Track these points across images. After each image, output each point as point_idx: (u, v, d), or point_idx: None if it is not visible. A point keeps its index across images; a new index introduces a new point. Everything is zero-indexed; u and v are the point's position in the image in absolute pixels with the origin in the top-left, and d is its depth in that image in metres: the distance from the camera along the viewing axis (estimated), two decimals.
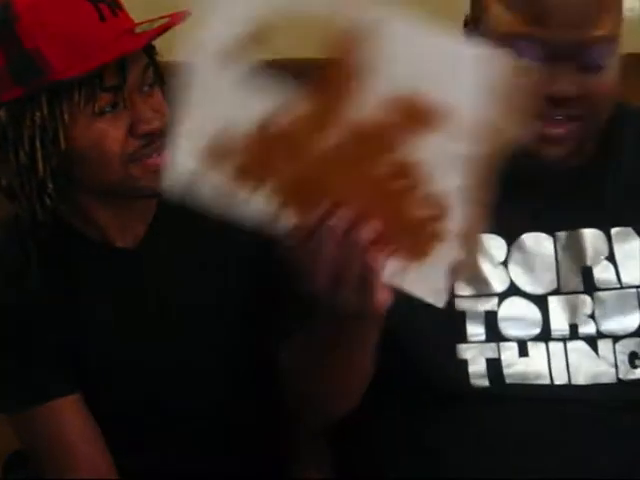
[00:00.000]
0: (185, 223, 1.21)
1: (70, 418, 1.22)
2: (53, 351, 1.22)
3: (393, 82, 0.94)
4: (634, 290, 1.23)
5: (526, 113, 0.94)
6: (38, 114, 1.12)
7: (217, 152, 0.98)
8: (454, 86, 0.93)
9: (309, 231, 0.95)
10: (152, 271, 1.24)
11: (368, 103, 0.95)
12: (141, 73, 1.17)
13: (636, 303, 1.22)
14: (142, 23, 1.20)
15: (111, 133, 1.14)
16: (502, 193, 1.20)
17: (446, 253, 0.97)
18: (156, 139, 1.18)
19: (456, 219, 0.96)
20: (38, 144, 1.13)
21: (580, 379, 1.20)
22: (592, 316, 1.22)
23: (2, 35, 1.14)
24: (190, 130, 0.98)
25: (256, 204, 0.98)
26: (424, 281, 0.99)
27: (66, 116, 1.13)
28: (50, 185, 1.15)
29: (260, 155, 0.98)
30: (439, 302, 0.99)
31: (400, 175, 0.96)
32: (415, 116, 0.94)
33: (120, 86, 1.14)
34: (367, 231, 0.94)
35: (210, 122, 0.98)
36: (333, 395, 1.18)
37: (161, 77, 1.21)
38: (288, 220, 0.97)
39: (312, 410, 1.23)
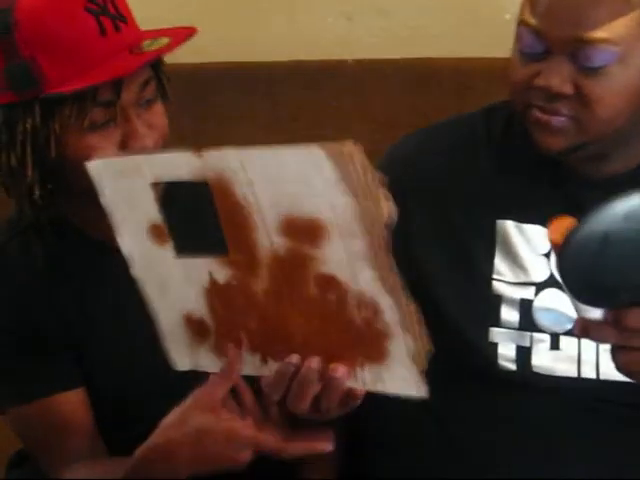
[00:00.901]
0: None
1: (72, 411, 1.24)
2: (58, 345, 1.24)
3: (270, 209, 0.95)
4: None
5: (382, 192, 0.93)
6: (30, 121, 1.13)
7: (193, 335, 1.05)
8: (315, 192, 0.92)
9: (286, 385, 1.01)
10: None
11: (267, 235, 0.97)
12: (139, 89, 1.16)
13: None
14: (142, 37, 1.18)
15: (101, 148, 1.14)
16: (551, 186, 1.26)
17: (400, 345, 0.97)
18: None
19: (390, 310, 0.95)
20: (29, 149, 1.14)
21: (609, 377, 1.21)
22: None
23: (2, 39, 1.13)
24: (167, 327, 1.06)
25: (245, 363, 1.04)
26: (398, 379, 0.99)
27: (57, 127, 1.13)
28: (37, 190, 1.17)
29: (226, 318, 1.04)
30: (421, 392, 0.99)
31: (328, 289, 0.97)
32: (303, 233, 0.95)
33: (114, 102, 1.13)
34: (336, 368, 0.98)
35: (176, 310, 1.05)
36: None
37: (164, 91, 1.22)
38: (272, 369, 1.02)
39: None
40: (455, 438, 1.24)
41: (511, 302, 1.24)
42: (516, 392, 1.22)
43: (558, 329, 1.23)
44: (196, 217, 1.09)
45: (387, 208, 0.94)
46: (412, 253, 1.26)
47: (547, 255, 1.24)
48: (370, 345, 0.98)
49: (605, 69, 1.12)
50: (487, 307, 1.23)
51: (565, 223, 0.95)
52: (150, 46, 1.16)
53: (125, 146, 1.16)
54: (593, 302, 0.98)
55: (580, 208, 1.19)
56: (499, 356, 1.23)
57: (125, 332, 1.25)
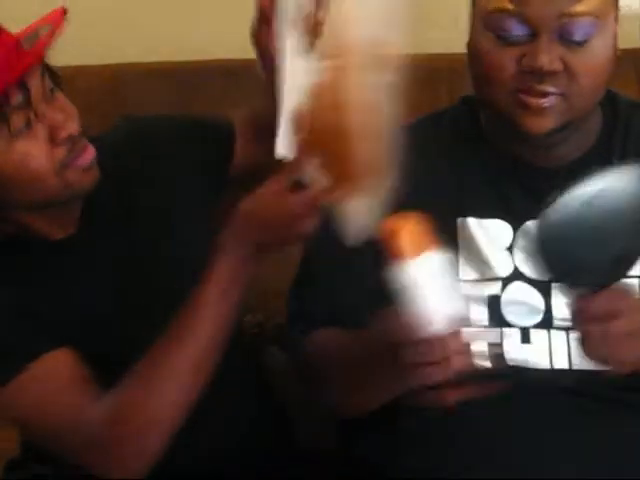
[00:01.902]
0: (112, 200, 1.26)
1: (65, 365, 1.21)
2: (32, 323, 1.22)
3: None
4: (636, 280, 1.22)
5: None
6: None
7: (292, 125, 1.09)
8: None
9: None
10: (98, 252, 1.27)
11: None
12: (41, 82, 1.16)
13: (638, 292, 1.22)
14: (22, 34, 1.17)
15: (34, 150, 1.15)
16: (509, 180, 1.25)
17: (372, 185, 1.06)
18: (78, 139, 1.19)
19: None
20: None
21: (580, 367, 1.21)
22: None
23: None
24: (284, 112, 1.10)
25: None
26: (365, 211, 1.07)
27: None
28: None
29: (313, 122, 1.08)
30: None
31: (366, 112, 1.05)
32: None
33: (27, 101, 1.13)
34: None
35: (291, 97, 1.09)
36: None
37: (57, 80, 1.21)
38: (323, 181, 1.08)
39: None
40: (439, 437, 1.23)
41: (479, 300, 1.24)
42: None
43: (527, 322, 1.23)
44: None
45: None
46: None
47: (510, 249, 1.24)
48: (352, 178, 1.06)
49: (588, 42, 1.15)
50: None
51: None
52: (34, 38, 1.15)
53: (55, 139, 1.16)
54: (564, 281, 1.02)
55: (537, 198, 1.21)
56: (472, 355, 1.19)
57: (88, 306, 1.25)
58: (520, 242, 1.24)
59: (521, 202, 1.24)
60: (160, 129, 1.37)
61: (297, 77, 1.09)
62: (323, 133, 1.07)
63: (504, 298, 1.23)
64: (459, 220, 1.24)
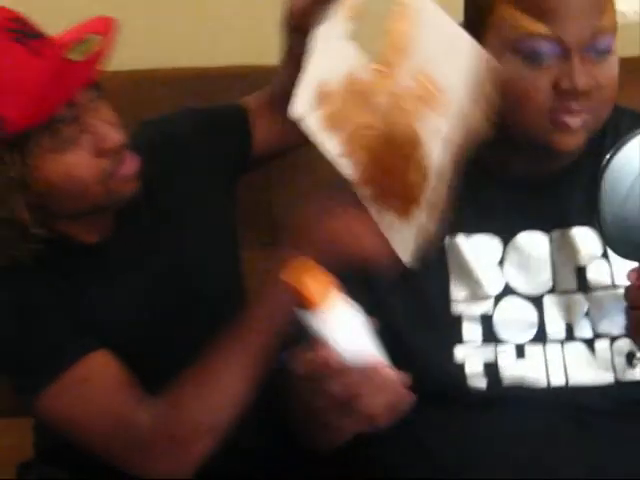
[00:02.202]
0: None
1: (109, 366, 1.23)
2: (73, 323, 1.24)
3: (421, 56, 1.08)
4: None
5: (493, 111, 1.04)
6: (5, 169, 1.13)
7: (317, 98, 1.14)
8: (454, 70, 1.03)
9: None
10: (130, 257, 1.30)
11: (408, 71, 1.09)
12: (87, 94, 1.17)
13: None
14: (67, 42, 1.14)
15: (79, 162, 1.16)
16: (496, 193, 1.24)
17: (419, 217, 1.08)
18: (122, 149, 1.20)
19: (430, 189, 1.07)
20: (15, 196, 1.15)
21: (578, 381, 1.20)
22: (587, 315, 1.22)
23: None
24: (308, 77, 1.15)
25: (331, 146, 1.14)
26: (400, 238, 1.10)
27: (30, 161, 1.14)
28: (34, 229, 1.17)
29: (341, 105, 1.13)
30: (406, 259, 1.10)
31: (410, 141, 1.08)
32: (429, 92, 1.06)
33: (74, 113, 1.14)
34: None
35: (319, 71, 1.14)
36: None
37: (100, 88, 1.21)
38: (346, 166, 1.13)
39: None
40: (436, 458, 1.22)
41: (471, 319, 1.22)
42: (491, 409, 1.20)
43: (521, 338, 1.22)
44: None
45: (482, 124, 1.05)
46: (370, 285, 1.23)
47: (500, 263, 1.23)
48: (405, 200, 1.09)
49: (610, 54, 1.16)
50: (449, 330, 1.22)
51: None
52: (85, 48, 1.14)
53: (100, 151, 1.18)
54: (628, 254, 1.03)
55: (526, 209, 1.21)
56: (467, 376, 1.21)
57: (123, 307, 1.28)
58: (511, 256, 1.23)
59: (509, 215, 1.23)
60: (176, 131, 1.39)
61: (332, 54, 1.13)
62: (381, 164, 1.11)
63: (497, 315, 1.22)
64: (447, 240, 1.23)
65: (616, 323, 1.21)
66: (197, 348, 1.19)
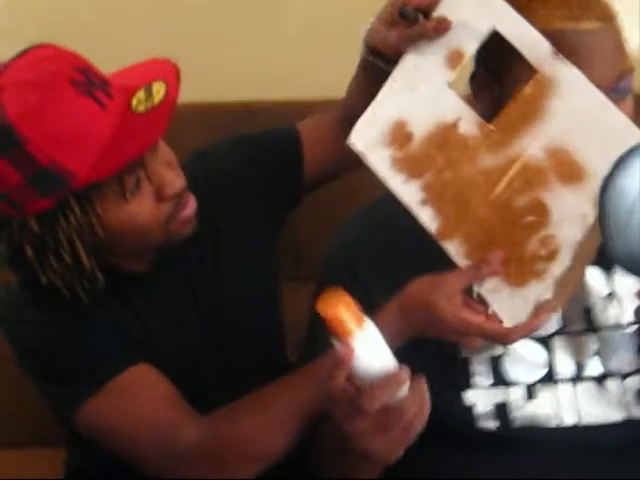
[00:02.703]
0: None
1: (155, 379, 1.25)
2: (120, 336, 1.26)
3: (557, 129, 1.06)
4: (636, 327, 1.23)
5: None
6: (72, 217, 1.13)
7: (390, 135, 1.12)
8: (606, 157, 0.98)
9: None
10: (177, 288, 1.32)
11: (533, 140, 1.07)
12: None
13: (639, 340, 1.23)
14: (132, 90, 1.14)
15: (142, 210, 1.17)
16: None
17: (539, 291, 1.08)
18: (182, 194, 1.21)
19: (560, 267, 1.06)
20: (78, 243, 1.16)
21: (590, 420, 1.21)
22: (598, 354, 1.23)
23: (15, 159, 1.10)
24: (381, 109, 1.13)
25: (404, 192, 1.12)
26: (510, 306, 1.09)
27: (98, 209, 1.14)
28: (99, 276, 1.19)
29: (425, 152, 1.12)
30: (510, 324, 1.09)
31: (533, 212, 1.07)
32: (565, 167, 1.06)
33: (140, 163, 1.15)
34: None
35: (398, 108, 1.12)
36: None
37: None
38: (425, 215, 1.12)
39: None
40: None
41: (481, 361, 1.23)
42: (502, 451, 1.21)
43: (531, 378, 1.23)
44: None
45: None
46: None
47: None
48: (519, 270, 1.08)
49: (630, 92, 1.17)
50: (458, 371, 1.23)
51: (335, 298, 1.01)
52: (151, 99, 1.14)
53: (161, 197, 1.18)
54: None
55: None
56: (477, 417, 1.22)
57: (168, 332, 1.30)
58: None
59: None
60: (224, 165, 1.38)
61: (421, 96, 1.12)
62: (482, 225, 1.10)
63: (506, 357, 1.23)
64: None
65: (626, 360, 1.22)
66: (238, 377, 1.24)
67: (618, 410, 1.22)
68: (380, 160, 1.13)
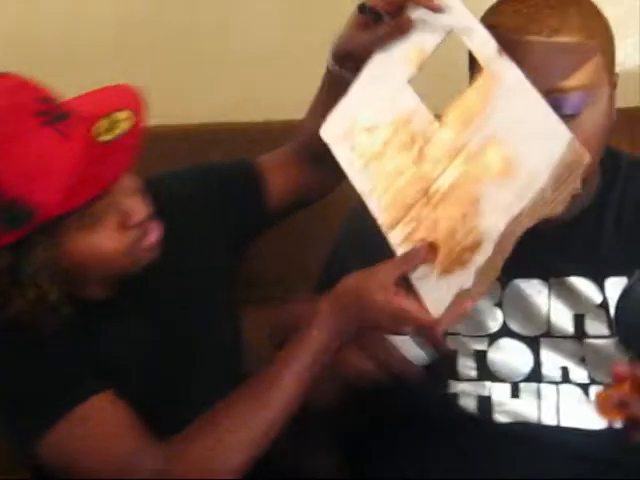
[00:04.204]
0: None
1: (115, 408, 1.21)
2: (81, 364, 1.22)
3: (496, 124, 1.08)
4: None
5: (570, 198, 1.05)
6: (37, 250, 1.11)
7: (353, 129, 1.18)
8: (539, 152, 1.04)
9: None
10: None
11: (474, 135, 1.10)
12: None
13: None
14: (95, 118, 1.11)
15: (106, 239, 1.14)
16: None
17: (461, 280, 1.08)
18: (147, 220, 1.18)
19: (483, 257, 1.07)
20: (43, 276, 1.12)
21: (570, 422, 1.20)
22: (584, 361, 1.21)
23: None
24: (350, 103, 1.20)
25: (357, 181, 1.17)
26: (434, 294, 1.10)
27: (63, 241, 1.12)
28: (63, 307, 1.15)
29: (380, 144, 1.16)
30: (435, 313, 1.10)
31: (467, 203, 1.09)
32: (498, 161, 1.07)
33: (105, 191, 1.11)
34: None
35: (362, 103, 1.18)
36: None
37: None
38: (374, 205, 1.15)
39: None
40: None
41: (467, 353, 1.24)
42: (484, 441, 1.21)
43: (515, 376, 1.22)
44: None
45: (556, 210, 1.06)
46: None
47: (499, 305, 1.24)
48: (445, 258, 1.10)
49: (579, 115, 1.12)
50: (444, 362, 1.22)
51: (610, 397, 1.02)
52: (116, 128, 1.11)
53: (125, 225, 1.15)
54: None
55: (527, 257, 1.15)
56: (460, 405, 1.23)
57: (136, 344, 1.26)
58: (508, 298, 1.23)
59: (510, 261, 1.17)
60: (182, 190, 1.34)
61: (383, 93, 1.17)
62: (422, 212, 1.12)
63: (491, 354, 1.23)
64: None
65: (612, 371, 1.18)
66: (204, 399, 1.20)
67: (599, 419, 1.17)
68: (343, 151, 1.19)
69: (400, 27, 1.15)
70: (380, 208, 1.15)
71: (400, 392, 1.22)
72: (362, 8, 1.17)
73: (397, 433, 1.28)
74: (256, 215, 1.38)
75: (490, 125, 1.08)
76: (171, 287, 1.29)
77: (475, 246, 1.07)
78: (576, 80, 1.11)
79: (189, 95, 1.84)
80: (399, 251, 1.13)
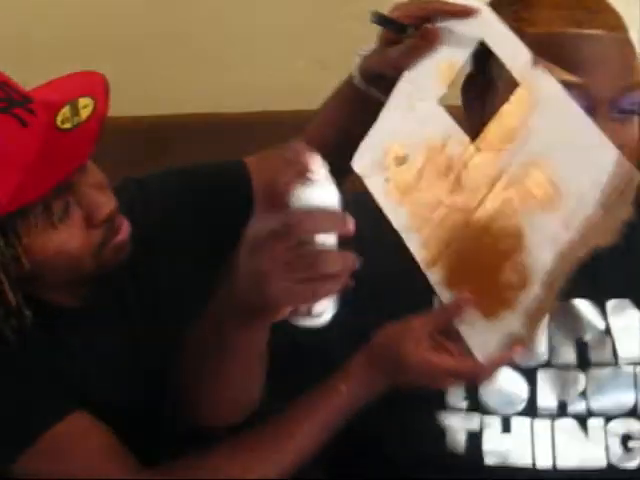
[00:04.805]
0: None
1: (91, 426, 1.15)
2: (52, 381, 1.15)
3: (535, 147, 1.00)
4: (631, 367, 1.15)
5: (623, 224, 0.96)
6: None
7: (386, 158, 1.08)
8: (585, 173, 0.96)
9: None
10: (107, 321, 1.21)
11: (513, 155, 1.01)
12: None
13: (632, 381, 1.15)
14: (57, 105, 1.05)
15: (70, 237, 1.08)
16: None
17: (510, 322, 1.00)
18: (114, 217, 1.11)
19: (531, 296, 0.99)
20: (2, 277, 1.06)
21: (566, 462, 1.13)
22: (584, 393, 1.15)
23: None
24: (381, 131, 1.09)
25: (394, 217, 1.07)
26: (482, 339, 1.03)
27: (24, 239, 1.05)
28: (26, 312, 1.09)
29: (415, 175, 1.06)
30: (481, 358, 1.03)
31: (510, 236, 1.00)
32: (541, 187, 0.99)
33: (68, 185, 1.05)
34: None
35: (393, 129, 1.08)
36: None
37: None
38: (414, 243, 1.06)
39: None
40: None
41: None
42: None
43: (508, 410, 1.14)
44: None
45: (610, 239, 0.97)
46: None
47: None
48: (491, 300, 1.02)
49: (636, 113, 1.09)
50: (433, 391, 1.13)
51: None
52: (77, 116, 1.05)
53: (91, 221, 1.08)
54: None
55: None
56: (448, 442, 1.14)
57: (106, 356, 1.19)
58: None
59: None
60: (160, 193, 1.27)
61: (415, 116, 1.07)
62: (464, 252, 1.04)
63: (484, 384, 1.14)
64: (435, 299, 1.11)
65: (613, 401, 1.14)
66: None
67: (599, 455, 1.13)
68: (376, 184, 1.09)
69: (426, 38, 1.05)
70: (418, 245, 1.06)
71: (388, 425, 1.15)
72: (378, 19, 1.06)
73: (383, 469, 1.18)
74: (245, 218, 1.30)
75: (529, 145, 1.00)
76: (148, 297, 1.22)
77: (521, 285, 0.99)
78: (637, 77, 1.07)
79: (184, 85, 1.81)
80: (439, 290, 1.05)
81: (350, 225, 0.90)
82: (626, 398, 1.14)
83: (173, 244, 1.24)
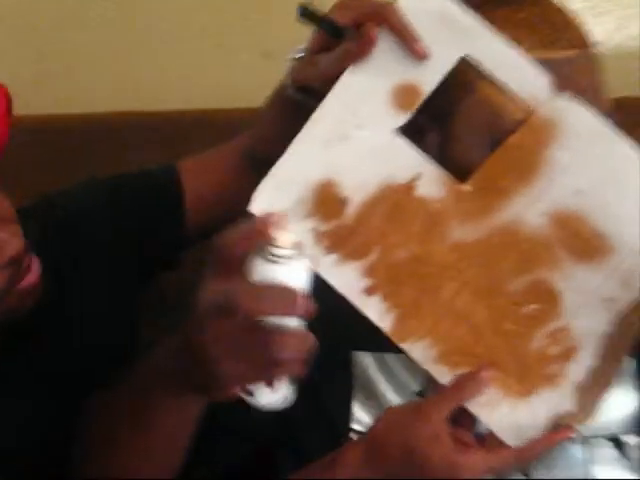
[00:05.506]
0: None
1: None
2: None
3: (563, 187, 0.83)
4: None
5: None
6: None
7: (314, 202, 0.85)
8: (632, 218, 0.82)
9: None
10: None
11: (531, 204, 0.84)
12: None
13: None
14: None
15: None
16: None
17: (554, 400, 0.87)
18: (22, 257, 0.98)
19: (581, 368, 0.86)
20: None
21: None
22: None
23: None
24: (294, 162, 0.85)
25: (338, 278, 0.85)
26: (512, 422, 0.88)
27: None
28: None
29: (367, 223, 0.85)
30: (513, 443, 0.87)
31: (536, 298, 0.85)
32: (578, 237, 0.84)
33: None
34: None
35: (314, 168, 0.85)
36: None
37: None
38: (374, 309, 0.85)
39: None
40: None
41: None
42: None
43: None
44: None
45: None
46: None
47: (420, 394, 0.99)
48: (522, 375, 0.87)
49: None
50: None
51: None
52: None
53: None
54: None
55: None
56: None
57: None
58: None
59: None
60: (80, 211, 1.16)
61: (357, 146, 0.85)
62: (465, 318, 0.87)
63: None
64: (355, 354, 1.00)
65: None
66: None
67: None
68: (299, 235, 0.83)
69: (367, 42, 0.83)
70: (386, 312, 0.86)
71: None
72: (304, 12, 0.84)
73: None
74: (176, 230, 1.17)
75: (555, 189, 0.83)
76: (58, 328, 1.10)
77: (567, 355, 0.86)
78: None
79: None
80: (432, 369, 0.87)
81: (309, 308, 0.78)
82: None
83: (90, 269, 1.13)
